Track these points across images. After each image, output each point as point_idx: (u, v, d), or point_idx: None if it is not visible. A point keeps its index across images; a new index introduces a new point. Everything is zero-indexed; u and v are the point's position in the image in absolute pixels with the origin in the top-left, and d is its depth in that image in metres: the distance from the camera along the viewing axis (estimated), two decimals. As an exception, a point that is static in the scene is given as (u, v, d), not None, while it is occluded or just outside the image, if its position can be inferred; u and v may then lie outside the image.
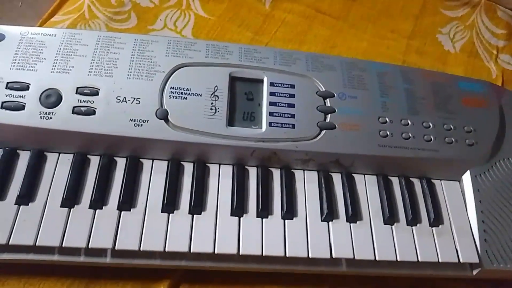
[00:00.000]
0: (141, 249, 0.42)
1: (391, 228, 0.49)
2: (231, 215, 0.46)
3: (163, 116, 0.46)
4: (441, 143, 0.52)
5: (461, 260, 0.48)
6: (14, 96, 0.45)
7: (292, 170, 0.50)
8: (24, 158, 0.45)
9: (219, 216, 0.46)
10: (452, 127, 0.53)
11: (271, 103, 0.49)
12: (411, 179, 0.53)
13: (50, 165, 0.45)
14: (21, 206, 0.43)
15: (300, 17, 0.72)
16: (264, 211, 0.46)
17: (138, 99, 0.47)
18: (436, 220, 0.50)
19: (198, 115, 0.47)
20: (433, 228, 0.50)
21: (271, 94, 0.50)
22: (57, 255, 0.42)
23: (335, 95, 0.51)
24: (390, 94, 0.53)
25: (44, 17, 0.65)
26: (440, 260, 0.47)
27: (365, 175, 0.52)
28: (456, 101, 0.55)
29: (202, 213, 0.45)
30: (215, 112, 0.48)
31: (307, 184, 0.50)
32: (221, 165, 0.49)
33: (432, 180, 0.53)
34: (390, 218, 0.49)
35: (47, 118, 0.44)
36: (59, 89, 0.46)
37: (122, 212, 0.44)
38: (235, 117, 0.49)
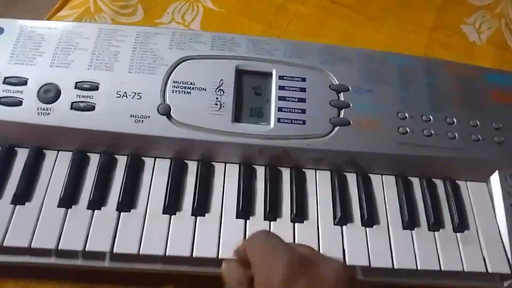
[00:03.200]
0: (141, 253, 0.40)
1: (411, 233, 0.45)
2: (237, 217, 0.43)
3: (166, 111, 0.44)
4: (466, 141, 0.48)
5: (490, 270, 0.43)
6: (12, 91, 0.43)
7: (303, 170, 0.47)
8: (22, 156, 0.44)
9: (224, 218, 0.43)
10: (478, 123, 0.49)
11: (280, 98, 0.46)
12: (433, 180, 0.48)
13: (48, 163, 0.44)
14: (17, 206, 0.41)
15: (315, 8, 0.69)
16: (272, 213, 0.43)
17: (139, 94, 0.44)
18: (461, 225, 0.46)
19: (203, 110, 0.44)
20: (458, 234, 0.45)
21: (280, 88, 0.47)
22: (53, 258, 0.40)
23: (350, 89, 0.48)
24: (410, 88, 0.49)
25: (51, 11, 0.63)
26: (465, 269, 0.43)
27: (383, 176, 0.48)
28: (484, 95, 0.51)
29: (206, 215, 0.43)
30: (221, 108, 0.45)
31: (319, 185, 0.46)
32: (227, 164, 0.46)
33: (457, 182, 0.49)
34: (410, 222, 0.45)
35: (44, 114, 0.43)
36: (58, 84, 0.44)
37: (122, 213, 0.42)
38: (241, 113, 0.46)
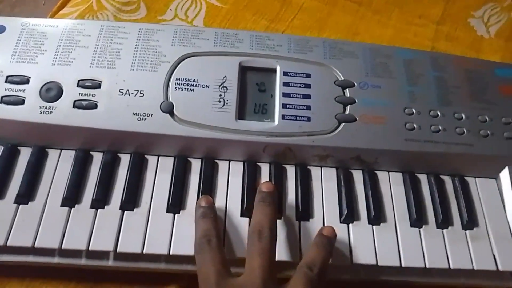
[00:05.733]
0: (144, 252, 0.40)
1: (419, 231, 0.44)
2: (241, 215, 0.43)
3: (168, 109, 0.43)
4: (475, 137, 0.47)
5: (500, 268, 0.42)
6: (14, 90, 0.43)
7: (308, 167, 0.46)
8: (25, 155, 0.43)
9: (228, 217, 0.42)
10: (488, 118, 0.48)
11: (285, 94, 0.45)
12: (441, 176, 0.48)
13: (51, 162, 0.43)
14: (21, 206, 0.41)
15: (320, 2, 0.67)
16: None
17: (142, 92, 0.44)
18: (470, 222, 0.45)
19: (206, 108, 0.44)
20: (467, 232, 0.45)
21: (285, 84, 0.46)
22: (57, 258, 0.40)
23: (356, 84, 0.47)
24: (418, 83, 0.48)
25: (54, 9, 0.63)
26: (475, 268, 0.42)
27: (390, 173, 0.47)
28: (493, 89, 0.50)
29: (210, 213, 0.42)
30: (224, 105, 0.44)
31: (324, 182, 0.46)
32: (231, 162, 0.45)
33: (465, 178, 0.48)
34: (417, 220, 0.44)
35: (47, 112, 0.42)
36: (60, 82, 0.44)
37: (125, 212, 0.41)
38: (245, 109, 0.45)
